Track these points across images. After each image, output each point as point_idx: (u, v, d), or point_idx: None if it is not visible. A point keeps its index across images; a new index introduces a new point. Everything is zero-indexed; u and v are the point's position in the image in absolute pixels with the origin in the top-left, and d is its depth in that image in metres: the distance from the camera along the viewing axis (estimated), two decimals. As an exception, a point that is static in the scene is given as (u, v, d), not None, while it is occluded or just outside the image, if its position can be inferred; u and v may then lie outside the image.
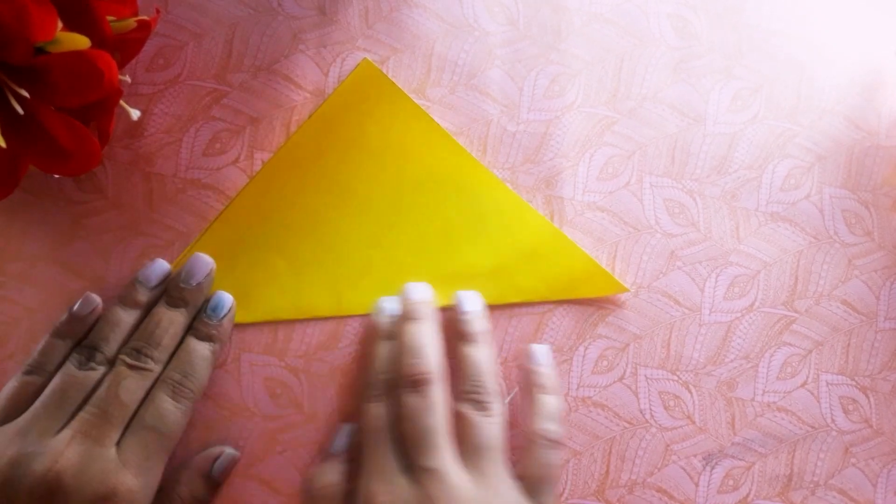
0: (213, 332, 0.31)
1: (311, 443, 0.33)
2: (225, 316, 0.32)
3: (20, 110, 0.27)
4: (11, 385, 0.29)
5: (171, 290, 0.31)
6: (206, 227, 0.33)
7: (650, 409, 0.34)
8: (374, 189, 0.34)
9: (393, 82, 0.34)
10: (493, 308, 0.34)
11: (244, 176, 0.34)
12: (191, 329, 0.31)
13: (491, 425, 0.30)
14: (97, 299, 0.31)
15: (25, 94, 0.26)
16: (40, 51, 0.26)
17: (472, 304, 0.33)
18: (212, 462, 0.31)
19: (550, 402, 0.32)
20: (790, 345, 0.35)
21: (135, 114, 0.30)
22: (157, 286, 0.32)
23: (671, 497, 0.34)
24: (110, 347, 0.30)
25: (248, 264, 0.33)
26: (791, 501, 0.34)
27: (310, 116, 0.34)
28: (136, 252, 0.33)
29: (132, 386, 0.29)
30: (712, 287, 0.35)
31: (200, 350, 0.31)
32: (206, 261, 0.32)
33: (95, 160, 0.29)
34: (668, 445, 0.34)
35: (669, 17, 0.36)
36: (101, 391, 0.29)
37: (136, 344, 0.30)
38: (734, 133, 0.36)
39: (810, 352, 0.35)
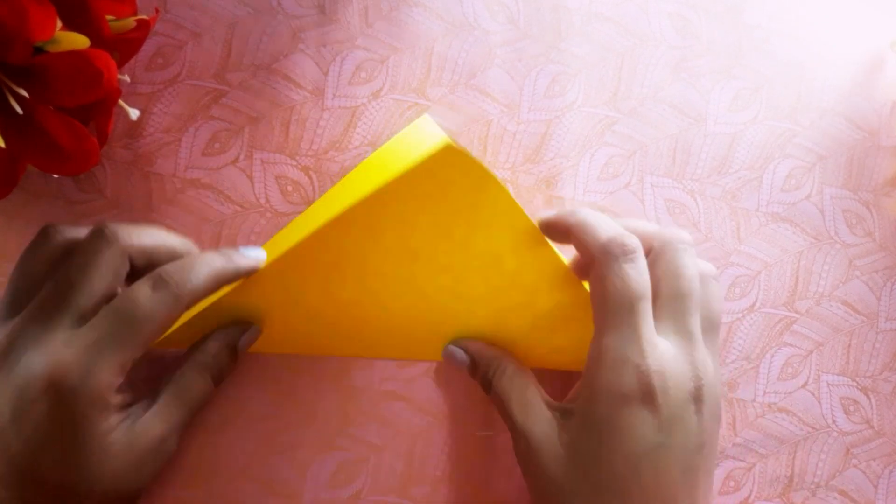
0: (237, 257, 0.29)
1: (312, 443, 0.33)
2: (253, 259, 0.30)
3: (19, 110, 0.26)
4: None
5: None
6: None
7: (650, 410, 0.34)
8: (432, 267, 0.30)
9: (483, 166, 0.27)
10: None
11: (243, 176, 0.34)
12: None
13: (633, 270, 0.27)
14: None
15: (24, 93, 0.26)
16: (39, 50, 0.26)
17: None
18: (240, 335, 0.31)
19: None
20: (791, 345, 0.35)
21: (134, 113, 0.30)
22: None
23: (671, 498, 0.34)
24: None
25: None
26: (792, 502, 0.34)
27: (376, 192, 0.28)
28: (136, 252, 0.33)
29: (93, 273, 0.26)
30: (713, 287, 0.35)
31: (210, 256, 0.28)
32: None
33: (94, 160, 0.29)
34: (668, 446, 0.34)
35: (670, 17, 0.36)
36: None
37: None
38: (735, 133, 0.36)
39: (811, 352, 0.35)
